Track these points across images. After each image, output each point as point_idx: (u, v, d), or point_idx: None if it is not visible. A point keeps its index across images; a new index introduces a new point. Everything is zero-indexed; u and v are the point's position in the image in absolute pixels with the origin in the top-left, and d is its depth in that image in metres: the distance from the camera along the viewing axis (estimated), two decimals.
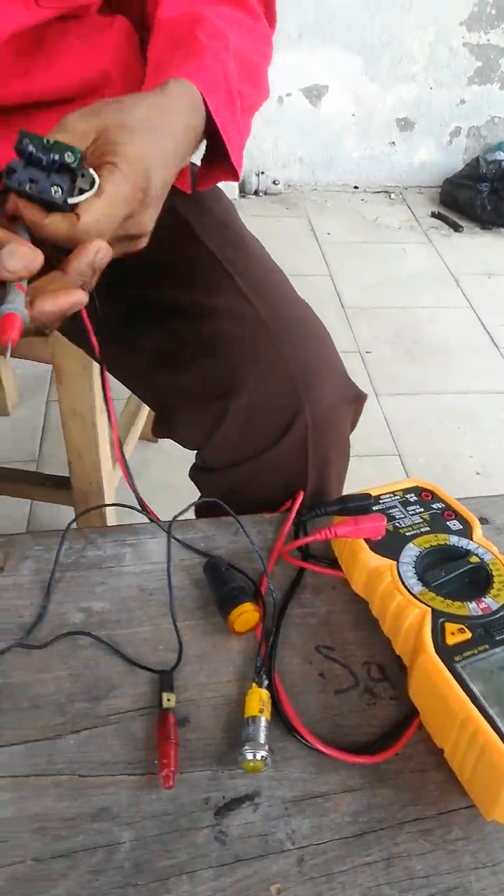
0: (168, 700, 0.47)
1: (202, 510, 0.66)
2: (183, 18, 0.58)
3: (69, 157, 0.42)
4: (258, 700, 0.46)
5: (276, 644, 0.51)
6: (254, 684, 0.48)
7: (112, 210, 0.44)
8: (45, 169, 0.42)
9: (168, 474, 1.35)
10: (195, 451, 0.70)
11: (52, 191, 0.43)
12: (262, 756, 0.44)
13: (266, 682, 0.48)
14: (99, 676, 0.49)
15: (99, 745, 0.45)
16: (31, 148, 0.42)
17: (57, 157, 0.42)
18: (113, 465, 1.17)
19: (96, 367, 1.02)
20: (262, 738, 0.44)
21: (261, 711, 0.46)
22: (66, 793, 0.43)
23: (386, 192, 2.67)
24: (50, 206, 0.43)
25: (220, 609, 0.53)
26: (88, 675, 0.49)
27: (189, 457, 0.70)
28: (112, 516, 1.10)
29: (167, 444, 1.51)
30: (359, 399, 0.69)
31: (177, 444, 0.71)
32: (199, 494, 0.69)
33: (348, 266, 2.18)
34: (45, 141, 0.43)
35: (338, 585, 0.56)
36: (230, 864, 0.41)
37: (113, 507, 1.06)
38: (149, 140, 0.47)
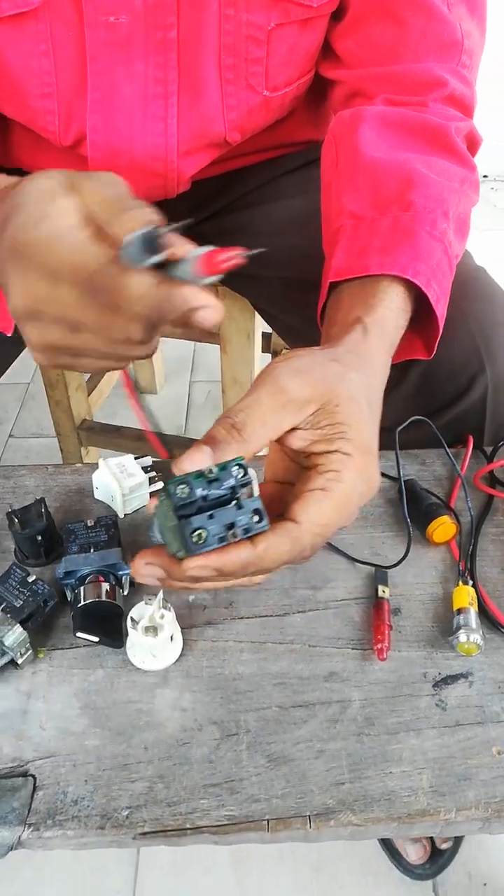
0: (383, 591, 0.52)
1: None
2: (390, 170, 0.55)
3: (239, 472, 0.37)
4: (467, 595, 0.51)
5: (474, 554, 0.55)
6: (460, 583, 0.52)
7: (344, 510, 0.38)
8: (221, 503, 0.36)
9: None
10: None
11: (255, 521, 0.37)
12: (476, 639, 0.48)
13: (471, 583, 0.52)
14: (316, 570, 0.55)
15: (323, 624, 0.51)
16: (198, 491, 0.36)
17: (231, 480, 0.37)
18: None
19: (258, 338, 1.10)
20: (474, 624, 0.49)
21: (470, 604, 0.50)
22: (300, 658, 0.49)
23: None
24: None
25: (419, 521, 0.57)
26: (304, 569, 0.55)
27: None
28: None
29: None
30: None
31: None
32: None
33: None
34: (207, 472, 0.36)
35: None
36: (451, 727, 0.45)
37: None
38: (369, 417, 0.41)
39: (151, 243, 0.33)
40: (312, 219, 0.65)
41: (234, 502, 0.37)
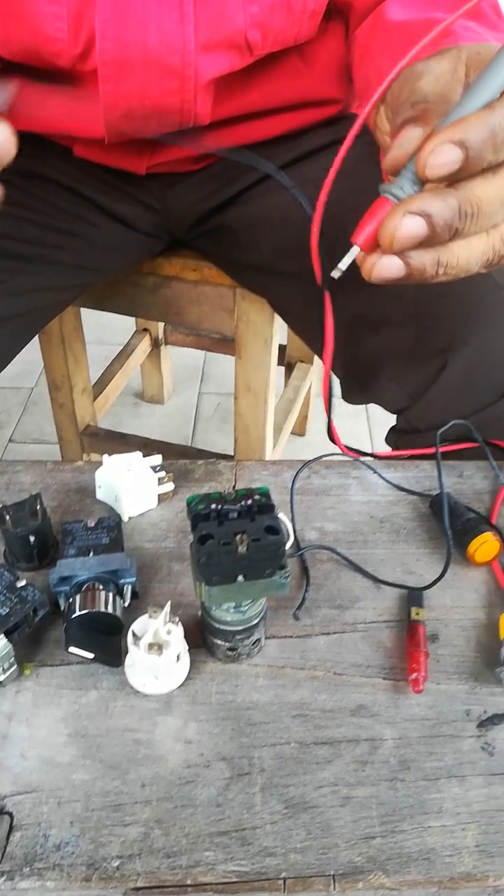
0: (417, 613, 0.46)
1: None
2: (425, 27, 0.52)
3: (262, 499, 0.38)
4: None
5: None
6: None
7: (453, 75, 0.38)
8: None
9: None
10: (395, 415, 0.69)
11: (268, 536, 0.37)
12: None
13: None
14: (341, 588, 0.48)
15: (349, 648, 0.45)
16: (213, 506, 0.37)
17: (250, 502, 0.38)
18: (275, 445, 1.19)
19: (275, 344, 1.05)
20: None
21: None
22: (323, 686, 0.43)
23: None
24: None
25: (458, 539, 0.51)
26: (330, 586, 0.49)
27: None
28: None
29: (316, 437, 1.51)
30: None
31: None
32: None
33: None
34: (225, 494, 0.38)
35: None
36: (500, 775, 0.39)
37: None
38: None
39: None
40: (344, 202, 0.61)
41: (248, 520, 0.37)
